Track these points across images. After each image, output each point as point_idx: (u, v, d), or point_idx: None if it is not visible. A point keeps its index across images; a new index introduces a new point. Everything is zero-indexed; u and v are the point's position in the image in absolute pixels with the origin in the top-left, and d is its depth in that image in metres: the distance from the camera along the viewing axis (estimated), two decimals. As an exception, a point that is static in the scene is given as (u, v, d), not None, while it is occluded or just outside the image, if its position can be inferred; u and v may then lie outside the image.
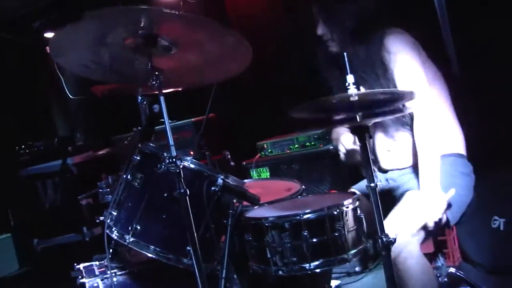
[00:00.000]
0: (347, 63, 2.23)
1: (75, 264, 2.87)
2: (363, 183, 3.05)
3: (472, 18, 3.95)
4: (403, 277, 2.62)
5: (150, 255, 2.39)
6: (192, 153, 4.58)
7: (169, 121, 4.00)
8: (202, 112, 4.41)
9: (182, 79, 2.71)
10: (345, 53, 2.26)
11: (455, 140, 2.96)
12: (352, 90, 2.22)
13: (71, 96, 6.41)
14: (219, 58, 2.50)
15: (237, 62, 2.58)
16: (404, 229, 2.61)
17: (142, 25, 2.18)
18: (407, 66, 2.80)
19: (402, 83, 2.79)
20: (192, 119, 5.03)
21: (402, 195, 2.87)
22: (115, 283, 2.71)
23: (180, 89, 2.87)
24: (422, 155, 2.75)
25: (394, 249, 2.30)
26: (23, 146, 5.91)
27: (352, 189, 3.05)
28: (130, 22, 2.20)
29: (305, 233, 2.28)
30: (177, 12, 2.06)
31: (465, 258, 3.86)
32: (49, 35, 5.99)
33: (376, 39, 2.85)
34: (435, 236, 3.14)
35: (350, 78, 2.22)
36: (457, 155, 2.94)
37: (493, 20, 3.85)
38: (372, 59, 2.86)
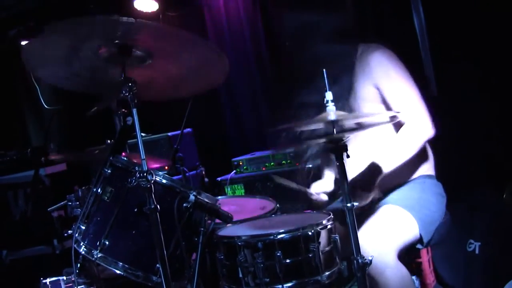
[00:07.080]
0: (326, 80, 2.18)
1: (42, 278, 2.80)
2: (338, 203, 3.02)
3: (452, 38, 3.98)
4: None
5: (118, 271, 2.32)
6: (167, 168, 4.52)
7: (145, 134, 3.92)
8: (178, 127, 4.36)
9: (158, 91, 2.66)
10: (324, 70, 2.20)
11: (425, 161, 2.96)
12: (330, 107, 2.17)
13: (46, 106, 6.33)
14: (196, 70, 2.46)
15: (213, 75, 2.55)
16: (382, 242, 2.57)
17: (116, 35, 2.12)
18: (399, 84, 2.81)
19: (396, 101, 2.79)
20: (168, 133, 4.98)
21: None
22: (82, 299, 2.64)
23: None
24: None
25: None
26: (-5, 155, 5.81)
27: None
28: (103, 32, 2.15)
29: (279, 254, 2.22)
30: (150, 22, 2.01)
31: (439, 281, 3.84)
32: (25, 43, 5.91)
33: (354, 54, 2.84)
34: (410, 257, 3.11)
35: (328, 95, 2.17)
36: (426, 176, 2.95)
37: (473, 40, 3.88)
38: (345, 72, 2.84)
